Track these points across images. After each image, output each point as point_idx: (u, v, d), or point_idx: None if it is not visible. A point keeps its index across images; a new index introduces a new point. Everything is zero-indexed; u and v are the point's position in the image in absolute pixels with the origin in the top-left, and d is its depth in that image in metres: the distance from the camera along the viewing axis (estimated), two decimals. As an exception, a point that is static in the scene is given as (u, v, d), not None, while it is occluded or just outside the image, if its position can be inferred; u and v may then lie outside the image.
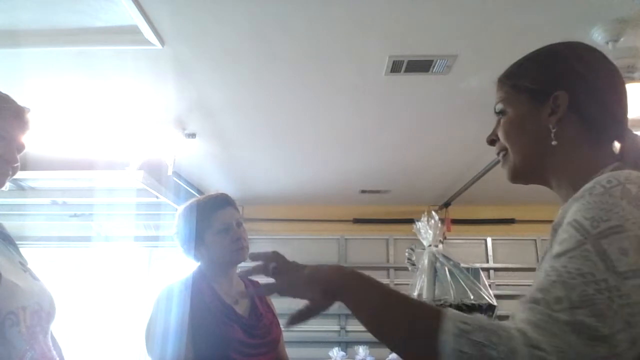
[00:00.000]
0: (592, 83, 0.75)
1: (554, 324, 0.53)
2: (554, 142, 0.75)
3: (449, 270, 1.25)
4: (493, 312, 1.11)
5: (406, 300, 0.65)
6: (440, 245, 1.39)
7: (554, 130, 0.75)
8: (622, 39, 1.85)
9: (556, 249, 0.61)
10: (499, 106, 0.84)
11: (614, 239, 0.57)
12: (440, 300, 1.13)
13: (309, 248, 4.68)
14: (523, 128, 0.80)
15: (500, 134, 0.83)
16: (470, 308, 1.09)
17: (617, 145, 0.77)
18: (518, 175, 0.83)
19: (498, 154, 0.86)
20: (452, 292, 1.14)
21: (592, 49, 0.80)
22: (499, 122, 0.85)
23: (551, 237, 0.69)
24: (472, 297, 1.12)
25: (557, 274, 0.57)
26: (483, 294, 1.13)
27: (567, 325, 0.53)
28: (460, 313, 0.58)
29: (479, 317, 0.57)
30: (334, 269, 0.74)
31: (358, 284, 0.70)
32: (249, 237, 1.65)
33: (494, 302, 1.12)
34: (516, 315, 0.58)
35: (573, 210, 0.64)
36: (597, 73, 0.76)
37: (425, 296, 1.18)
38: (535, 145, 0.79)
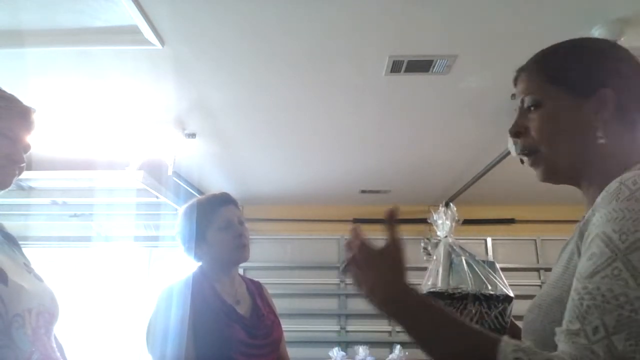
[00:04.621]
0: (634, 81, 0.74)
1: (596, 358, 0.52)
2: (602, 141, 0.71)
3: (466, 261, 1.25)
4: (509, 304, 1.10)
5: (462, 326, 0.64)
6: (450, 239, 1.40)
7: (600, 128, 0.72)
8: (622, 39, 1.85)
9: (587, 265, 0.59)
10: (531, 98, 0.77)
11: None
12: (457, 289, 1.12)
13: (309, 248, 4.68)
14: (563, 123, 0.75)
15: (534, 129, 0.77)
16: (487, 298, 1.09)
17: None
18: (555, 174, 0.78)
19: (523, 150, 0.80)
20: (469, 282, 1.13)
21: (623, 47, 0.79)
22: (523, 114, 0.79)
23: (578, 238, 0.66)
24: (489, 287, 1.11)
25: (591, 297, 0.56)
26: (500, 285, 1.13)
27: (606, 358, 0.52)
28: (515, 342, 0.58)
29: (531, 347, 0.57)
30: (391, 286, 0.72)
31: (415, 302, 0.69)
32: (249, 236, 1.65)
33: (511, 293, 1.12)
34: (559, 346, 0.58)
35: (602, 217, 0.61)
36: (637, 70, 0.75)
37: (439, 286, 1.17)
38: (577, 142, 0.74)
